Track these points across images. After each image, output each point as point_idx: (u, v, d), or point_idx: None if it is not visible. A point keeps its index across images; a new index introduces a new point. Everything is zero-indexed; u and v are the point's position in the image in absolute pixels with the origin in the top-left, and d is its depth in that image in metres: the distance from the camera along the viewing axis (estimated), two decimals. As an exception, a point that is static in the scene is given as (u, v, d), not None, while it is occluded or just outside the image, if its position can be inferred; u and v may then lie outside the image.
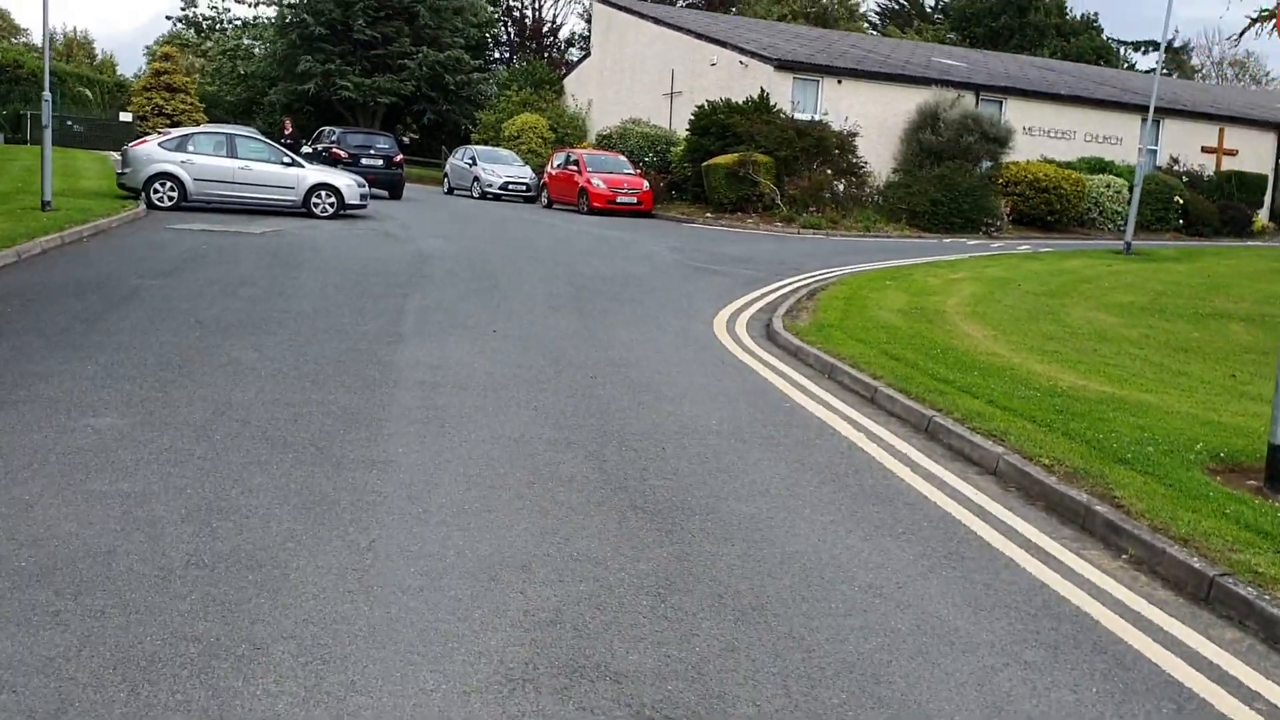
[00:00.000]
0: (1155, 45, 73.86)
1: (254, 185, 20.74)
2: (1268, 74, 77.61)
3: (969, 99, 30.94)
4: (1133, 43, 72.30)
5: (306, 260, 14.20)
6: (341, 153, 27.25)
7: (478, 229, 21.28)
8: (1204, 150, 35.80)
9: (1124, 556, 5.07)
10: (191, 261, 13.43)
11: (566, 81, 42.28)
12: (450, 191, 33.94)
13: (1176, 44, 74.61)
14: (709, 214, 27.01)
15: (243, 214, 20.33)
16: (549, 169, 30.03)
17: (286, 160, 21.15)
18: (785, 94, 28.99)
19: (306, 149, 30.35)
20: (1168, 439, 6.72)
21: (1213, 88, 55.04)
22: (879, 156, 29.42)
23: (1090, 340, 10.85)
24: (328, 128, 29.95)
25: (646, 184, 27.87)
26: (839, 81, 30.03)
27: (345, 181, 21.56)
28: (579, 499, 5.22)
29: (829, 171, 27.21)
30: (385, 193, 28.30)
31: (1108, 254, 22.35)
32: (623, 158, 29.43)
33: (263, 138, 22.25)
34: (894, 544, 5.00)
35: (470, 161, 32.62)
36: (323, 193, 21.19)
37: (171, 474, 5.20)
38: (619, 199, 27.07)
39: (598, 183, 27.15)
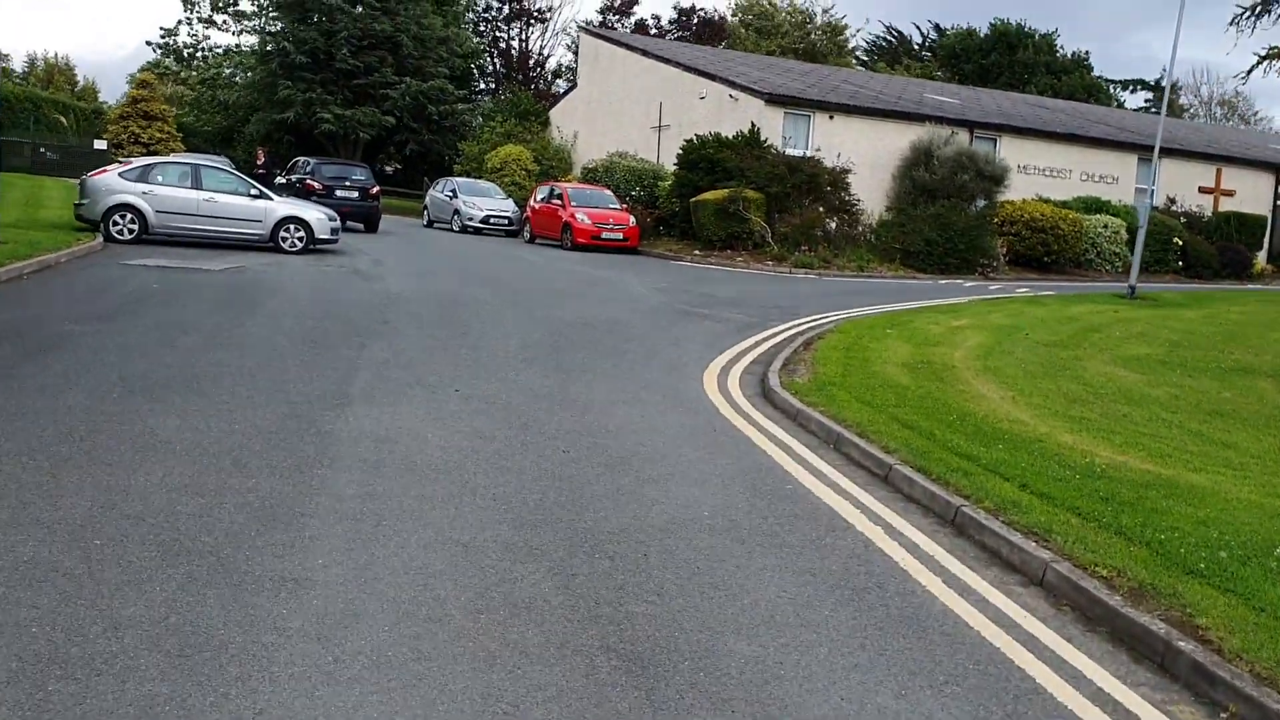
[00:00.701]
0: (1144, 84, 74.05)
1: (219, 218, 19.70)
2: (1256, 113, 77.70)
3: (963, 136, 30.19)
4: (1120, 81, 72.25)
5: (263, 302, 13.13)
6: (315, 184, 26.25)
7: (454, 266, 20.26)
8: (1201, 190, 35.13)
9: (1223, 716, 4.03)
10: (136, 303, 12.34)
11: (552, 113, 41.47)
12: (430, 225, 32.97)
13: (1165, 83, 74.68)
14: (697, 251, 26.08)
15: (207, 248, 19.29)
16: (532, 202, 29.08)
17: (254, 192, 20.12)
18: (776, 129, 28.15)
19: (281, 180, 29.36)
20: (1239, 539, 5.69)
21: (1208, 127, 54.67)
22: (871, 194, 28.59)
23: (1116, 401, 9.86)
24: (302, 158, 28.96)
25: (633, 219, 26.93)
26: (831, 117, 29.23)
27: (315, 215, 20.53)
28: (537, 638, 4.13)
29: (821, 209, 26.33)
30: (361, 226, 27.30)
31: (1112, 298, 21.46)
32: (608, 192, 28.51)
33: (229, 168, 21.24)
34: (936, 702, 3.93)
35: (450, 194, 31.65)
36: (291, 226, 20.16)
37: (18, 602, 4.11)
38: (604, 235, 26.11)
39: (582, 218, 26.20)
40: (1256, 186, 36.24)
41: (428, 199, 33.81)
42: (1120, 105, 65.58)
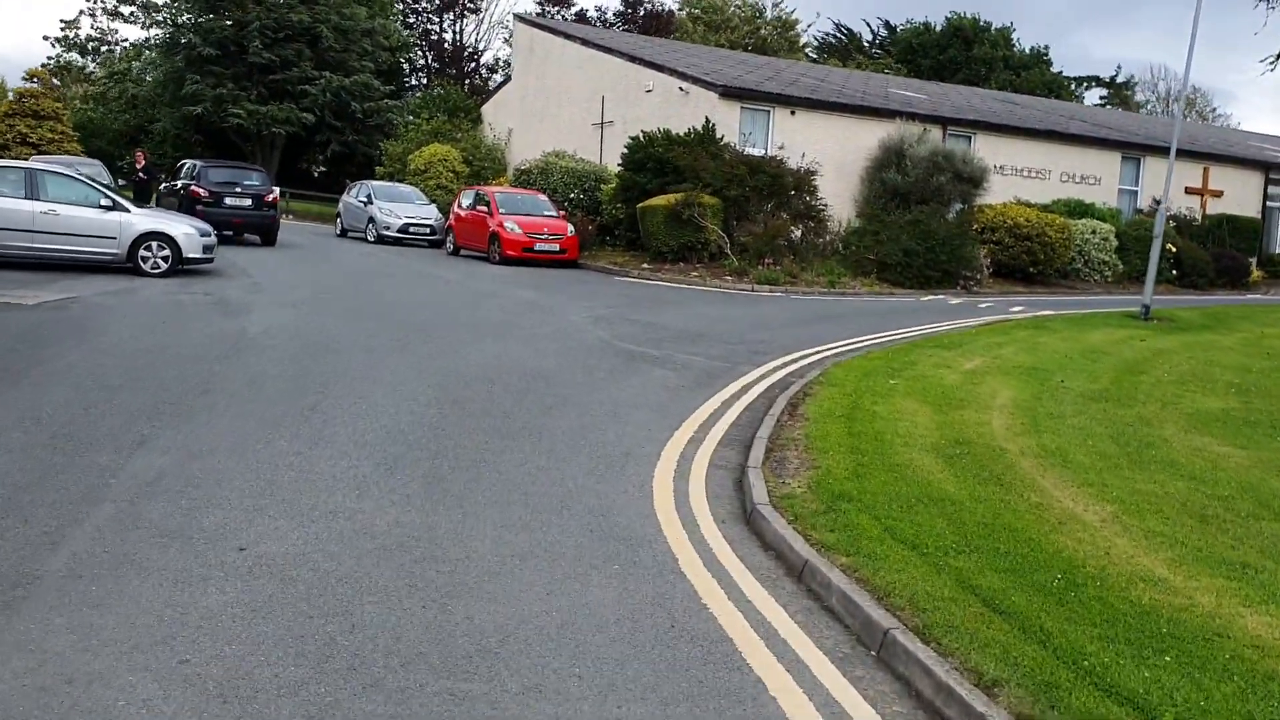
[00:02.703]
0: (1099, 81, 72.08)
1: (61, 235, 16.12)
2: (1214, 110, 76.13)
3: (935, 134, 27.24)
4: (1076, 78, 70.06)
5: (52, 357, 9.64)
6: (201, 190, 22.60)
7: (350, 290, 16.81)
8: (1188, 191, 32.47)
9: None
10: None
11: (484, 109, 38.01)
12: (343, 234, 29.40)
13: (1120, 80, 72.75)
14: (645, 264, 22.81)
15: (45, 271, 15.80)
16: (455, 209, 25.65)
17: (106, 203, 16.51)
18: (732, 125, 24.97)
19: (164, 186, 25.68)
20: None
21: (1191, 125, 52.37)
22: (838, 197, 25.51)
23: (1257, 514, 6.71)
24: (188, 161, 25.24)
25: (571, 228, 23.60)
26: (792, 112, 26.10)
27: (183, 229, 16.98)
28: None
29: (785, 215, 23.17)
30: (257, 238, 23.72)
31: (1124, 319, 18.52)
32: (543, 197, 25.14)
33: (82, 176, 17.57)
34: None
35: (365, 199, 28.11)
36: (153, 244, 16.64)
37: None
38: (537, 246, 22.76)
39: (512, 227, 22.82)
40: (1245, 187, 33.68)
41: (340, 205, 30.18)
42: (1081, 102, 63.31)
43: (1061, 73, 65.25)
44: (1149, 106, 74.53)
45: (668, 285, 20.70)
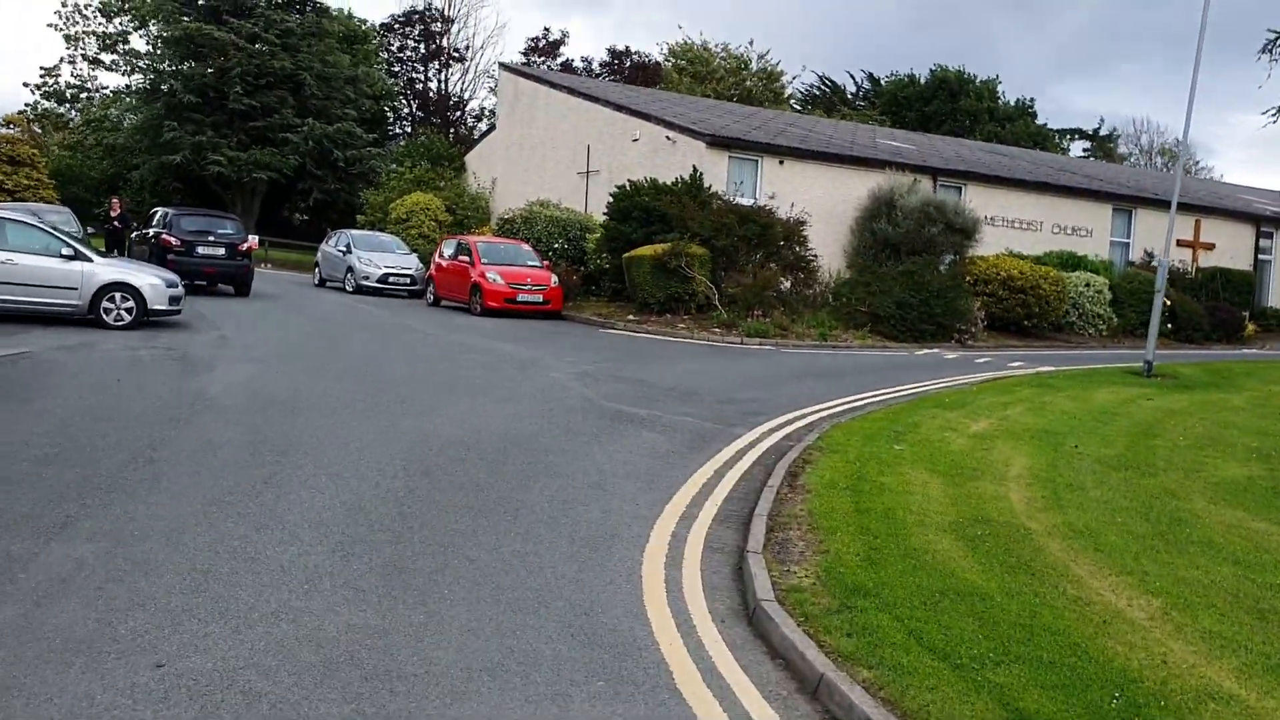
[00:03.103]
0: (1082, 134, 72.36)
1: (18, 285, 15.39)
2: (1197, 163, 76.40)
3: (926, 184, 26.78)
4: (1059, 130, 70.24)
5: (-13, 420, 8.86)
6: (172, 239, 21.87)
7: (323, 343, 16.08)
8: (1180, 244, 32.06)
9: None
10: None
11: (468, 158, 37.50)
12: (321, 284, 28.66)
13: (1103, 132, 73.03)
14: (632, 316, 22.14)
15: (4, 322, 14.98)
16: (437, 258, 24.98)
17: (67, 253, 15.77)
18: (720, 175, 24.46)
19: (137, 234, 24.97)
20: None
21: (1190, 180, 52.25)
22: (827, 248, 24.98)
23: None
24: (161, 209, 24.51)
25: (555, 279, 22.95)
26: (780, 162, 25.62)
27: (148, 280, 16.24)
28: None
29: (774, 266, 22.58)
30: (231, 288, 22.97)
31: (1126, 375, 17.92)
32: (526, 246, 24.51)
33: (44, 224, 16.85)
34: None
35: (345, 249, 27.41)
36: (117, 295, 15.91)
37: None
38: (520, 297, 22.09)
39: (494, 277, 22.15)
40: (1236, 239, 33.36)
41: (319, 254, 29.47)
42: (1066, 154, 63.40)
43: (1046, 125, 65.43)
44: (1132, 159, 74.87)
45: (654, 338, 20.02)
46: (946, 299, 22.28)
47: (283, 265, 39.20)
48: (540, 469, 8.56)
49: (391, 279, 26.20)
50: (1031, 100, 65.09)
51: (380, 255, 26.87)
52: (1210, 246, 32.66)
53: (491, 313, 22.01)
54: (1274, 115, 17.39)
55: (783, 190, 24.87)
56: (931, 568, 6.23)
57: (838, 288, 23.44)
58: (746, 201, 23.87)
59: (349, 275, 26.65)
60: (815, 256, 23.53)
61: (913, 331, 21.88)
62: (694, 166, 23.52)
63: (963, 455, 9.81)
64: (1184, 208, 32.49)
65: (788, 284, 23.03)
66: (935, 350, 21.35)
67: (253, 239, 38.49)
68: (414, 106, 55.37)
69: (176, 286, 16.71)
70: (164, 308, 16.33)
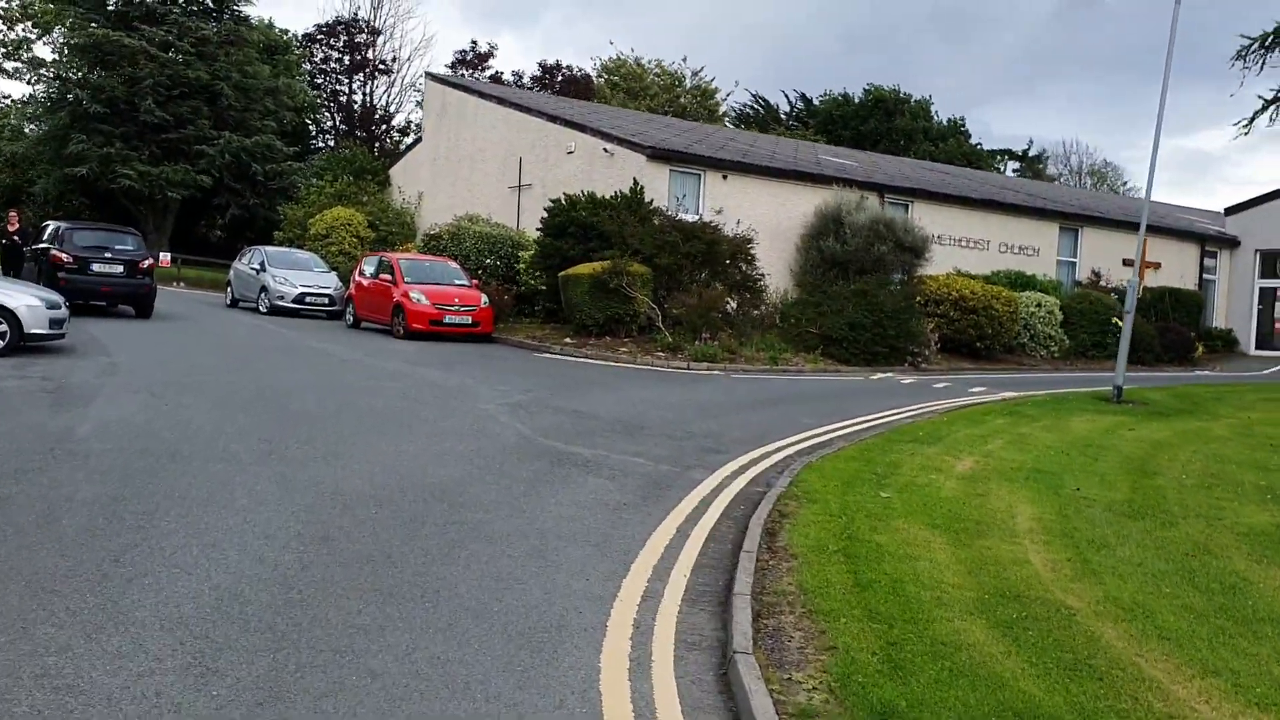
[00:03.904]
0: (1012, 155, 72.59)
1: None
2: (1125, 184, 77.08)
3: (873, 201, 25.74)
4: (991, 151, 70.37)
5: None
6: (64, 256, 19.94)
7: (225, 371, 14.37)
8: (1125, 263, 31.51)
9: None
10: None
11: (393, 171, 35.80)
12: (234, 304, 26.76)
13: (1032, 153, 73.36)
14: (568, 339, 20.68)
15: None
16: (357, 277, 23.32)
17: (-71, 268, 13.90)
18: (661, 189, 23.16)
19: (28, 250, 22.90)
20: None
21: (1124, 198, 52.31)
22: (773, 266, 23.81)
23: None
24: (54, 223, 22.47)
25: (485, 299, 21.42)
26: (724, 177, 24.41)
27: (25, 301, 14.44)
28: None
29: (720, 286, 21.29)
30: (131, 309, 21.07)
31: (1096, 401, 16.93)
32: (454, 264, 22.94)
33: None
34: None
35: (258, 267, 25.56)
36: (-12, 318, 14.05)
37: None
38: (447, 319, 20.52)
39: (418, 297, 20.55)
40: (1182, 259, 32.93)
41: (231, 273, 27.55)
42: (1000, 174, 63.36)
43: (980, 144, 65.43)
44: (1062, 179, 75.32)
45: (594, 363, 18.58)
46: (900, 320, 21.16)
47: (197, 284, 37.05)
48: (468, 531, 7.05)
49: (308, 299, 24.44)
50: (962, 119, 65.10)
51: (297, 274, 25.10)
52: (1156, 266, 32.09)
53: (416, 335, 20.41)
54: (1245, 126, 16.49)
55: (727, 206, 23.66)
56: (972, 673, 4.85)
57: (787, 308, 22.22)
58: (690, 217, 22.58)
59: (263, 295, 24.83)
60: (763, 275, 22.30)
61: (865, 354, 20.71)
62: (634, 180, 22.18)
63: (959, 503, 8.50)
64: (1131, 226, 31.97)
65: (734, 304, 21.75)
66: (889, 375, 20.19)
67: (164, 256, 36.42)
68: (338, 119, 53.39)
69: (59, 308, 14.90)
70: (43, 331, 14.52)
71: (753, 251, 21.90)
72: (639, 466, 9.57)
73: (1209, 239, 34.00)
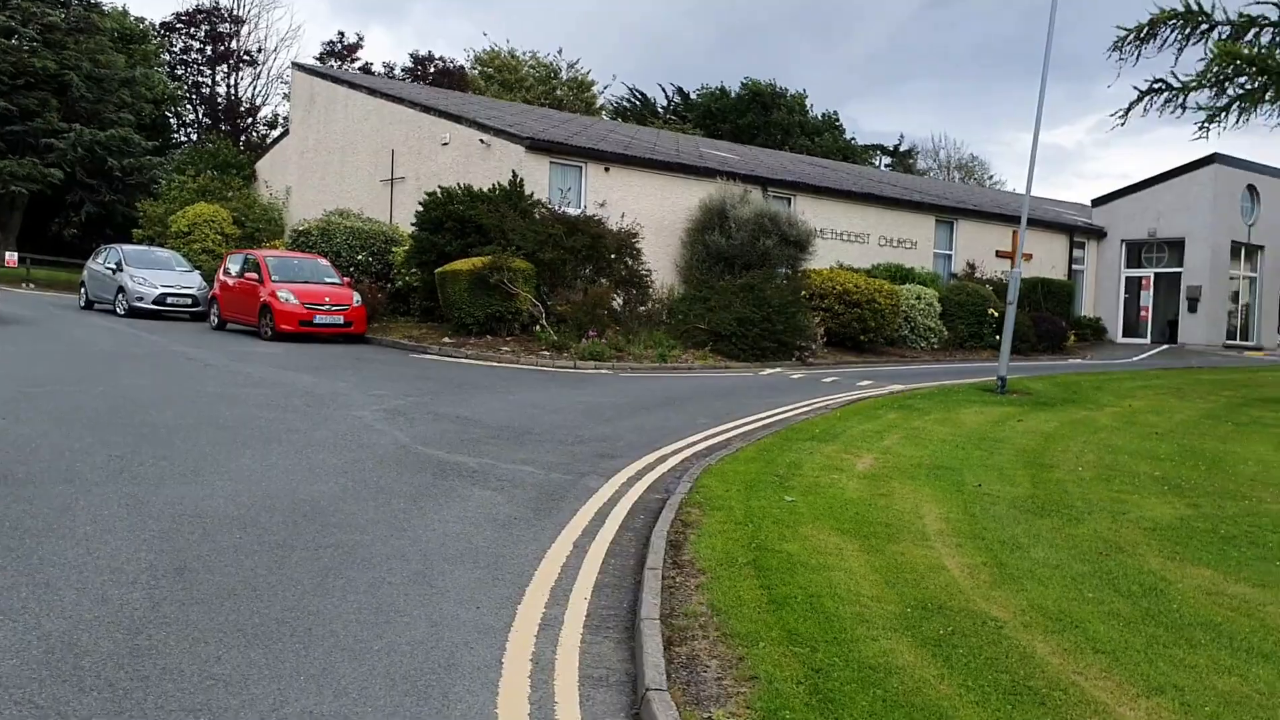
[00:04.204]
0: (883, 149, 73.98)
1: None
2: (991, 177, 79.28)
3: (757, 195, 25.57)
4: (862, 146, 71.54)
5: None
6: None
7: (75, 380, 13.23)
8: (999, 254, 32.03)
9: None
10: None
11: (259, 165, 34.32)
12: (89, 306, 25.19)
13: (903, 148, 74.86)
14: (447, 338, 19.92)
15: None
16: (221, 276, 22.10)
17: None
18: (542, 182, 22.54)
19: None
20: None
21: (995, 191, 53.52)
22: (659, 261, 23.43)
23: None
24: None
25: (358, 297, 20.49)
26: (606, 169, 23.92)
27: None
28: None
29: (605, 281, 20.78)
30: (-32, 312, 19.50)
31: (980, 392, 17.01)
32: (324, 261, 21.92)
33: None
34: None
35: (115, 266, 24.07)
36: None
37: None
38: (317, 319, 19.55)
39: (287, 296, 19.54)
40: (1052, 250, 33.74)
41: (85, 273, 25.89)
42: (873, 167, 64.42)
43: (854, 139, 66.38)
44: (931, 173, 77.05)
45: (476, 364, 17.87)
46: (787, 315, 20.98)
47: (49, 286, 34.96)
48: (343, 555, 6.38)
49: (170, 300, 23.10)
50: (836, 114, 65.97)
51: (157, 273, 23.71)
52: (1029, 257, 32.76)
53: (285, 337, 19.39)
54: (1122, 116, 16.70)
55: (610, 200, 23.18)
56: (908, 702, 4.43)
57: (675, 304, 21.83)
58: (573, 211, 22.01)
59: (120, 296, 23.37)
60: (649, 271, 21.88)
61: (754, 350, 20.46)
62: (514, 172, 21.50)
63: (864, 505, 8.15)
64: (1003, 218, 32.66)
65: (620, 300, 21.28)
66: (779, 370, 19.99)
67: (9, 256, 34.23)
68: (200, 113, 51.16)
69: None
70: None
71: (638, 246, 21.44)
72: (529, 476, 8.99)
73: (1077, 230, 34.93)
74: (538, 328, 19.76)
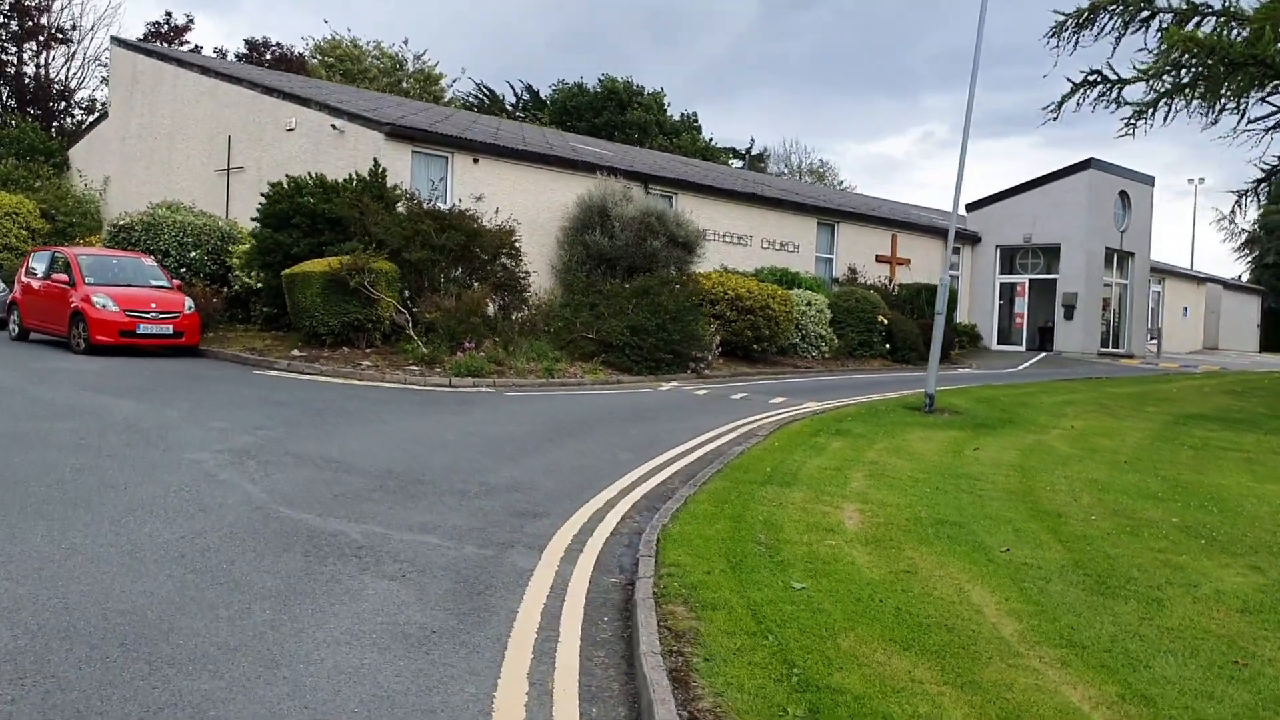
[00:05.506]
0: (735, 153, 73.32)
1: None
2: (841, 182, 79.66)
3: (638, 192, 23.56)
4: (719, 148, 70.63)
5: None
6: None
7: None
8: (879, 259, 31.09)
9: None
10: None
11: (73, 152, 30.46)
12: None
13: (755, 151, 74.36)
14: (297, 350, 17.19)
15: None
16: (23, 277, 18.75)
17: None
18: (403, 173, 20.00)
19: None
20: None
21: (868, 196, 52.95)
22: (534, 263, 21.18)
23: None
24: None
25: (190, 303, 17.55)
26: (475, 160, 21.50)
27: None
28: None
29: (479, 285, 18.40)
30: None
31: (907, 411, 15.43)
32: (149, 261, 18.81)
33: None
34: None
35: (-115, 264, 20.30)
36: None
37: None
38: (141, 329, 16.58)
39: (104, 302, 16.49)
40: (929, 255, 32.88)
41: None
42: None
43: (712, 140, 65.28)
44: (783, 177, 76.81)
45: (333, 382, 15.24)
46: (684, 323, 19.02)
47: None
48: (183, 714, 3.99)
49: (-42, 305, 19.56)
50: (694, 115, 64.73)
51: (-60, 272, 20.09)
52: (906, 262, 31.91)
53: (101, 350, 16.35)
54: (1054, 112, 15.35)
55: (480, 194, 20.77)
56: None
57: (558, 310, 19.58)
58: (442, 206, 19.54)
59: (-109, 300, 19.69)
60: (529, 274, 19.59)
61: (649, 362, 18.41)
62: (375, 160, 18.89)
63: (897, 592, 6.18)
64: (882, 222, 31.60)
65: (495, 306, 18.92)
66: (677, 384, 18.01)
67: None
68: (4, 95, 46.03)
69: None
70: None
71: (518, 246, 19.14)
72: (436, 553, 6.67)
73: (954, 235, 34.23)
74: (404, 339, 17.24)
